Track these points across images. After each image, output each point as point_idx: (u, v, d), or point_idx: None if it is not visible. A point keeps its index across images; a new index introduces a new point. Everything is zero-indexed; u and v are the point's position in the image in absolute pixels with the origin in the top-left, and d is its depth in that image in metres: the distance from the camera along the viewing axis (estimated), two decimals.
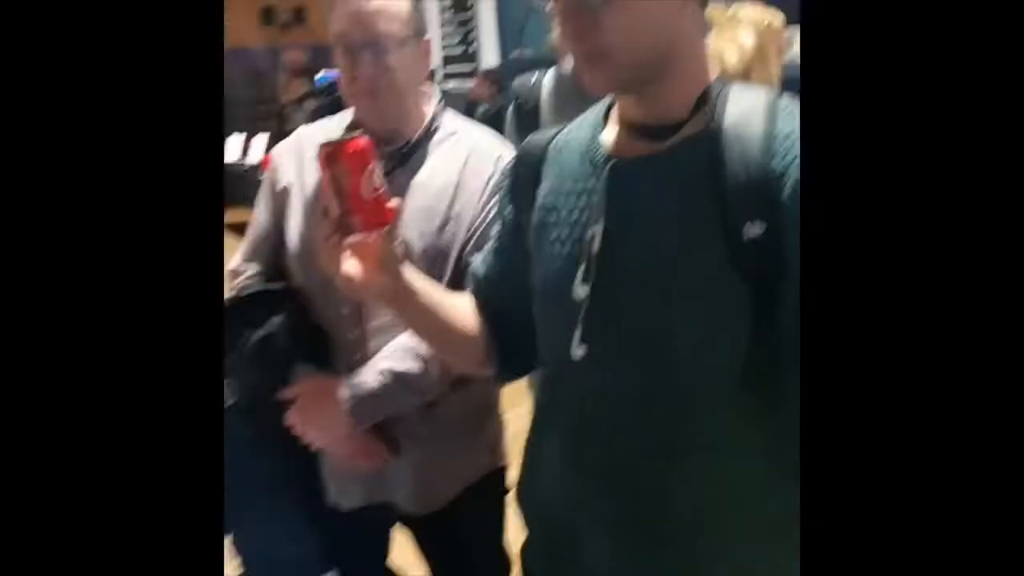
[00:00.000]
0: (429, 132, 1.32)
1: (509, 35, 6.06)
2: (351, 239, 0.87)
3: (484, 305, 1.03)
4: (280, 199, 1.36)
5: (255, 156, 7.55)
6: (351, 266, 0.89)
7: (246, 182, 7.46)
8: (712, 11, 1.22)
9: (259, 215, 1.39)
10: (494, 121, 5.46)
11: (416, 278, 0.94)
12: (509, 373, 1.05)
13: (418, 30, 1.27)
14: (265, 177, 1.40)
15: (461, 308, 1.01)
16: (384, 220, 0.87)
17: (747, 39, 1.25)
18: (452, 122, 1.36)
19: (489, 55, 6.54)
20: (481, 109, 5.82)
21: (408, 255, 1.20)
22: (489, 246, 1.06)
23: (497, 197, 1.06)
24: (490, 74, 6.16)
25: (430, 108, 1.34)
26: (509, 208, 1.01)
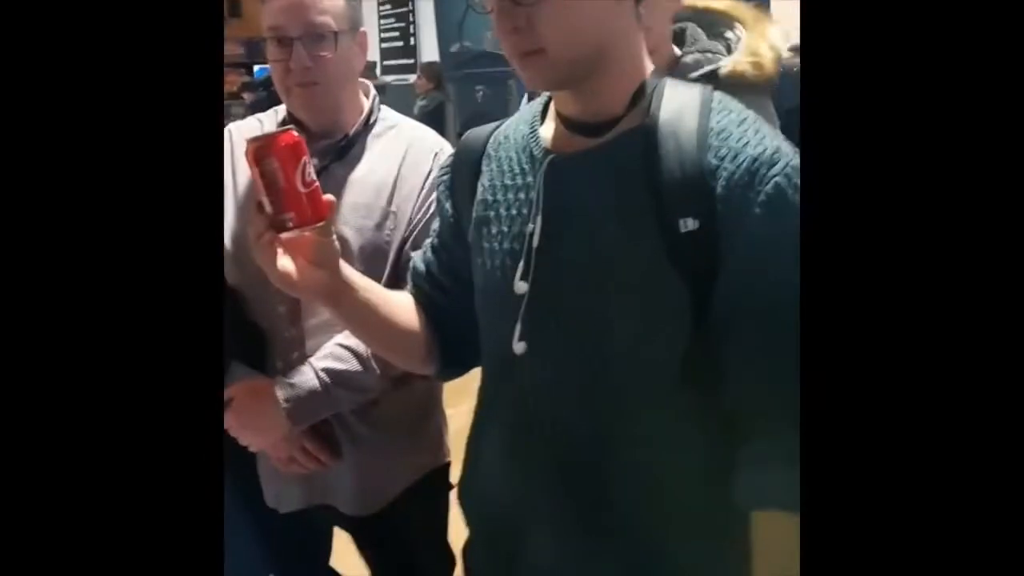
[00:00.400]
0: (367, 126, 1.30)
1: (448, 29, 6.03)
2: (286, 235, 0.85)
3: (424, 301, 1.02)
4: None
5: None
6: (286, 263, 0.87)
7: None
8: (738, 7, 1.23)
9: None
10: (434, 115, 5.47)
11: (353, 274, 0.93)
12: (450, 370, 1.05)
13: (353, 22, 1.25)
14: None
15: (400, 305, 1.00)
16: (319, 215, 0.85)
17: (777, 38, 1.25)
18: (390, 116, 1.34)
19: (428, 49, 6.51)
20: (421, 103, 5.80)
21: (346, 252, 1.18)
22: (428, 242, 1.05)
23: (436, 192, 1.05)
24: (429, 68, 6.14)
25: (367, 102, 1.32)
26: (448, 204, 1.00)
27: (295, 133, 0.85)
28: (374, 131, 1.31)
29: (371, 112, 1.31)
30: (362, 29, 1.28)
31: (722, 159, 0.78)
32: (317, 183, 0.85)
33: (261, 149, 0.83)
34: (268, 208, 0.84)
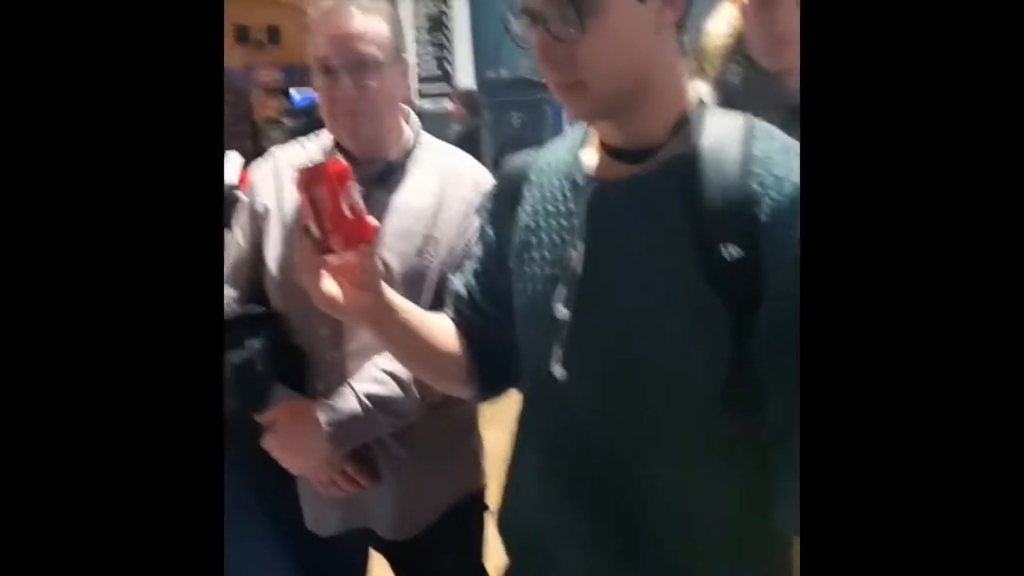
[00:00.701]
0: (408, 152, 1.32)
1: (484, 56, 6.10)
2: (331, 258, 0.88)
3: (464, 325, 1.02)
4: (258, 222, 1.35)
5: (229, 175, 7.50)
6: (331, 286, 0.88)
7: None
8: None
9: (237, 238, 1.38)
10: (469, 140, 5.52)
11: (395, 297, 0.94)
12: (488, 393, 1.05)
13: (397, 52, 1.27)
14: (242, 200, 1.39)
15: (440, 328, 1.01)
16: (365, 238, 0.87)
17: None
18: (430, 143, 1.36)
19: (464, 76, 6.58)
20: (456, 128, 5.85)
21: (387, 276, 1.20)
22: (469, 266, 1.05)
23: (478, 218, 1.06)
24: (465, 95, 6.20)
25: (408, 129, 1.34)
26: (490, 229, 1.01)
27: (342, 161, 0.88)
28: (415, 157, 1.33)
29: (412, 139, 1.33)
30: (406, 58, 1.31)
31: (766, 187, 0.78)
32: (363, 208, 0.87)
33: (309, 177, 0.86)
34: (316, 232, 0.87)
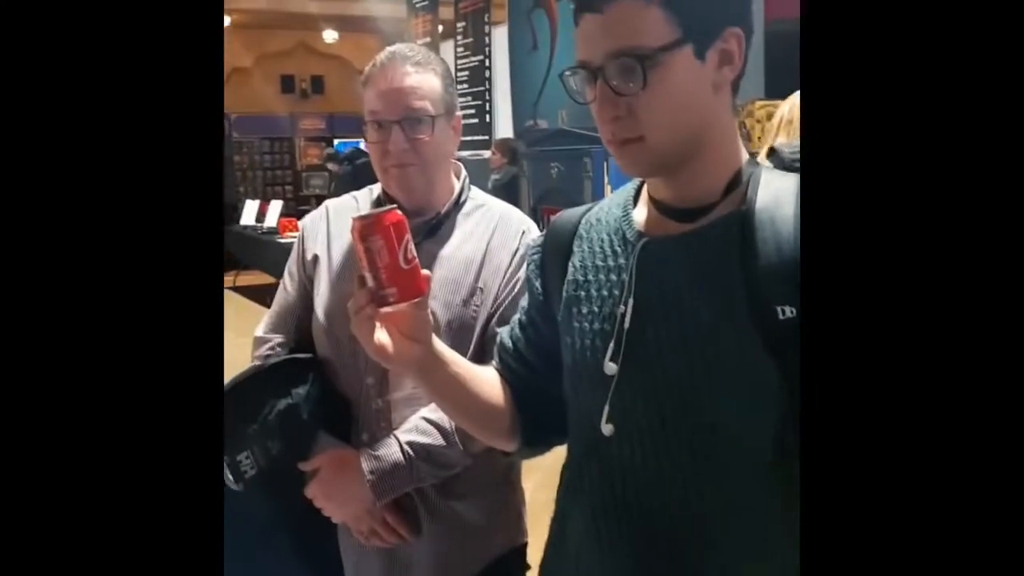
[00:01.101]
0: (457, 205, 1.34)
1: (523, 107, 6.18)
2: (386, 310, 0.88)
3: (510, 377, 1.02)
4: (307, 270, 1.37)
5: (271, 220, 7.64)
6: (382, 336, 0.89)
7: (261, 245, 7.55)
8: None
9: (286, 285, 1.40)
10: (508, 188, 5.54)
11: (444, 349, 0.94)
12: (533, 447, 1.04)
13: (449, 107, 1.30)
14: (294, 248, 1.42)
15: (486, 380, 1.01)
16: (418, 291, 0.88)
17: None
18: (478, 196, 1.38)
19: (503, 126, 6.67)
20: (495, 177, 5.92)
21: (433, 325, 1.20)
22: (516, 319, 1.06)
23: (526, 271, 1.06)
24: (503, 144, 6.27)
25: (457, 182, 1.36)
26: (538, 282, 1.02)
27: (399, 213, 0.88)
28: (464, 210, 1.34)
29: (461, 192, 1.35)
30: (457, 114, 1.33)
31: None
32: (417, 260, 0.88)
33: (367, 227, 0.87)
34: (371, 283, 0.87)
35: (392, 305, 0.87)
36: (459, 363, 0.96)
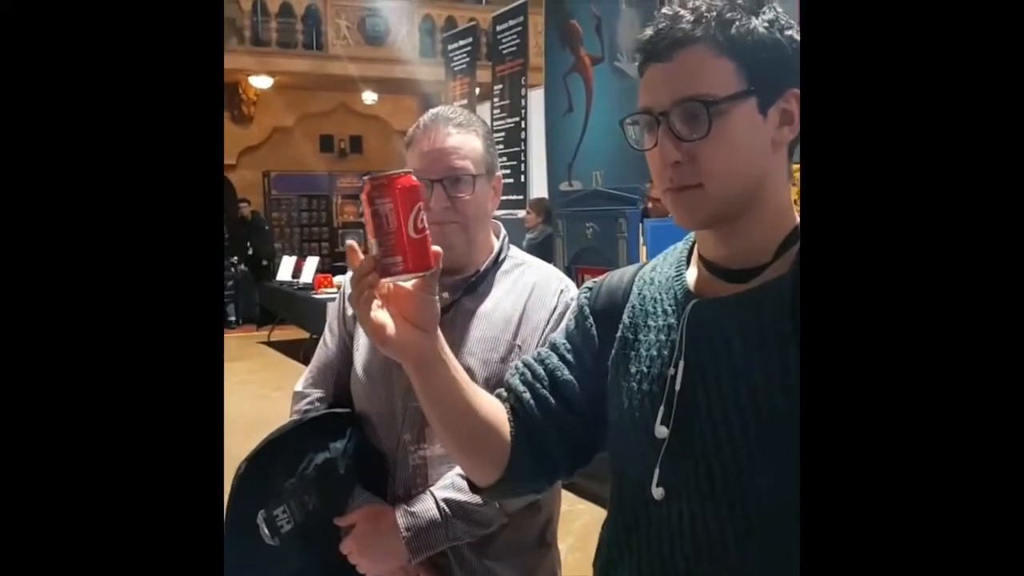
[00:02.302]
0: (496, 263, 1.36)
1: (558, 169, 6.26)
2: (388, 280, 0.82)
3: (518, 405, 0.95)
4: (348, 326, 1.39)
5: (307, 276, 7.75)
6: (383, 316, 0.83)
7: (297, 301, 7.66)
8: None
9: (327, 340, 1.42)
10: (542, 247, 5.57)
11: (447, 348, 0.88)
12: (512, 485, 0.97)
13: (490, 167, 1.32)
14: (335, 304, 1.44)
15: (487, 397, 0.94)
16: (427, 264, 0.81)
17: None
18: (517, 255, 1.40)
19: (538, 186, 6.75)
20: (530, 236, 5.97)
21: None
22: (540, 352, 1.00)
23: (569, 312, 1.03)
24: (538, 203, 6.34)
25: (497, 241, 1.38)
26: (574, 325, 0.99)
27: (414, 178, 0.82)
28: (503, 268, 1.36)
29: (500, 251, 1.37)
30: (497, 174, 1.36)
31: None
32: (428, 232, 0.82)
33: (376, 188, 0.81)
34: (375, 250, 0.81)
35: (397, 275, 0.81)
36: (460, 369, 0.91)
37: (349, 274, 1.46)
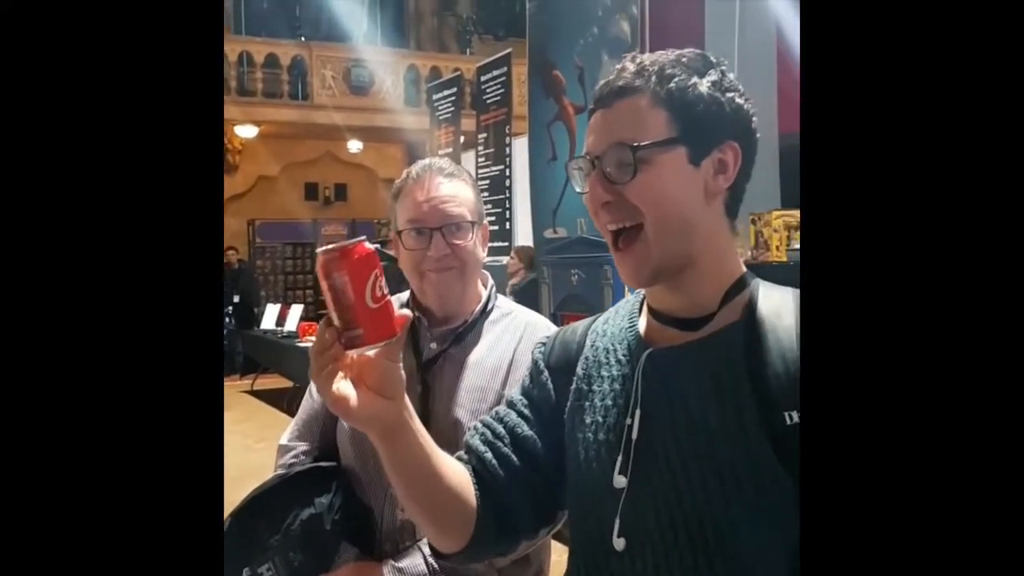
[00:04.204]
0: (484, 312, 1.35)
1: (542, 216, 6.30)
2: (353, 352, 0.80)
3: (480, 467, 0.94)
4: None
5: (291, 324, 7.70)
6: (345, 387, 0.81)
7: (281, 349, 7.59)
8: None
9: (312, 392, 1.40)
10: (526, 293, 5.56)
11: (414, 417, 0.86)
12: (484, 553, 0.97)
13: (480, 216, 1.34)
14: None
15: (451, 462, 0.93)
16: (390, 332, 0.79)
17: None
18: (505, 304, 1.40)
19: (523, 233, 6.77)
20: (513, 283, 5.98)
21: (459, 433, 1.20)
22: (497, 412, 1.00)
23: (527, 369, 1.03)
24: (522, 250, 6.36)
25: (484, 291, 1.38)
26: (529, 381, 1.00)
27: (367, 245, 0.80)
28: (491, 317, 1.36)
29: (488, 300, 1.37)
30: (485, 222, 1.37)
31: None
32: (389, 299, 0.80)
33: (330, 262, 0.79)
34: (336, 322, 0.79)
35: (360, 348, 0.79)
36: (426, 435, 0.88)
37: None
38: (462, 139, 8.18)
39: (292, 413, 1.45)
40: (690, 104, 0.84)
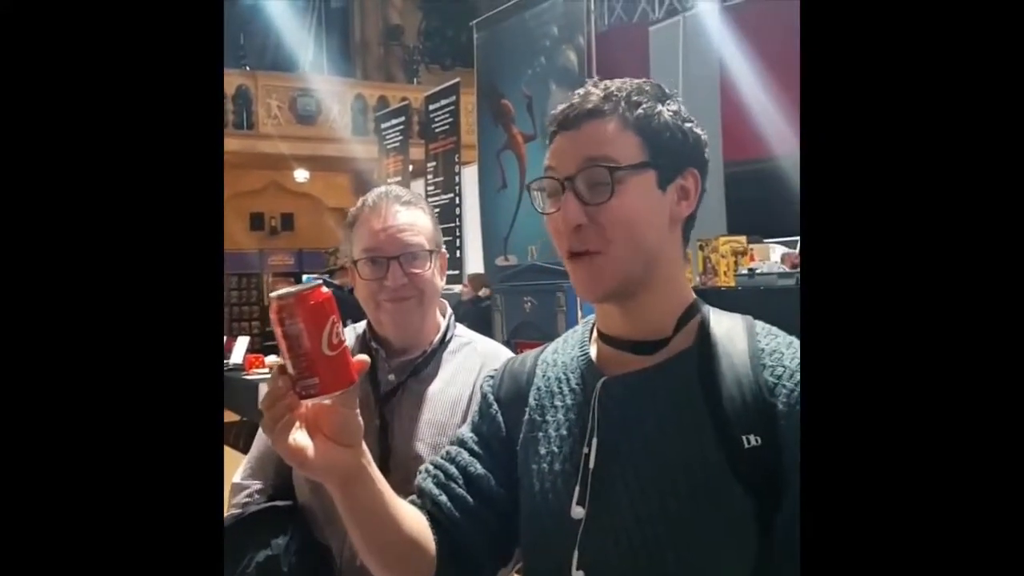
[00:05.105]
0: (443, 343, 1.33)
1: (493, 243, 6.31)
2: (309, 402, 0.76)
3: (435, 511, 0.91)
4: None
5: (237, 356, 7.53)
6: (301, 437, 0.77)
7: (228, 383, 7.41)
8: None
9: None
10: (479, 322, 5.58)
11: (372, 464, 0.83)
12: None
13: (437, 244, 1.31)
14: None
15: (409, 508, 0.90)
16: (348, 380, 0.76)
17: None
18: (464, 334, 1.37)
19: (474, 261, 6.78)
20: (465, 311, 5.97)
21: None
22: (447, 453, 0.97)
23: (476, 403, 1.00)
24: (475, 278, 6.36)
25: (443, 320, 1.35)
26: (485, 424, 0.96)
27: (323, 290, 0.77)
28: (450, 348, 1.33)
29: (447, 330, 1.34)
30: (443, 251, 1.34)
31: (779, 377, 0.80)
32: (346, 346, 0.76)
33: (285, 308, 0.75)
34: (291, 371, 0.75)
35: (315, 397, 0.76)
36: (383, 481, 0.85)
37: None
38: (411, 168, 8.18)
39: (240, 448, 1.40)
40: (657, 130, 0.84)
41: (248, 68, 11.80)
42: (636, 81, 0.87)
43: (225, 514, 1.28)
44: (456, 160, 7.17)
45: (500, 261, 6.10)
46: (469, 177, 6.88)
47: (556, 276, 4.17)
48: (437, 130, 7.42)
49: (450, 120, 7.28)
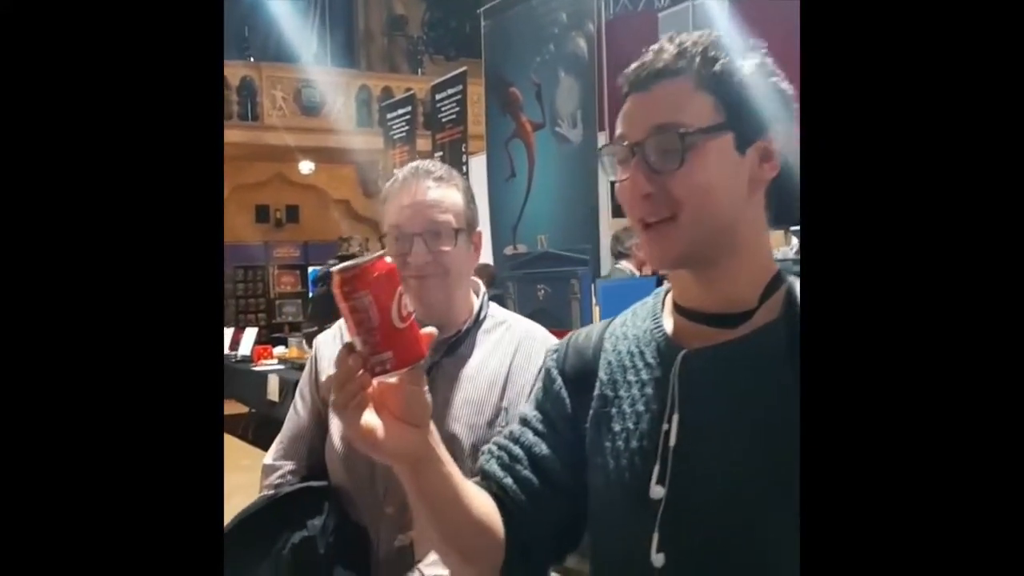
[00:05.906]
0: (477, 322, 1.30)
1: (502, 233, 6.28)
2: (383, 379, 0.73)
3: (503, 494, 0.88)
4: (323, 391, 1.31)
5: (245, 348, 7.52)
6: (372, 418, 0.74)
7: (236, 374, 7.40)
8: None
9: (297, 407, 1.34)
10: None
11: (440, 446, 0.80)
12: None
13: (470, 223, 1.29)
14: (306, 369, 1.37)
15: (481, 498, 0.86)
16: (418, 354, 0.73)
17: None
18: (499, 313, 1.35)
19: (483, 251, 6.76)
20: None
21: (456, 449, 1.15)
22: (511, 432, 0.93)
23: (539, 380, 0.97)
24: (483, 269, 6.34)
25: (477, 300, 1.33)
26: (543, 394, 0.93)
27: (388, 260, 0.73)
28: (484, 327, 1.31)
29: (481, 309, 1.32)
30: (478, 229, 1.32)
31: None
32: (413, 316, 0.73)
33: (351, 281, 0.71)
34: (361, 347, 0.72)
35: (389, 373, 0.72)
36: (453, 463, 0.81)
37: (322, 336, 1.39)
38: (417, 158, 8.15)
39: (250, 440, 1.38)
40: (736, 88, 0.79)
41: (252, 59, 11.76)
42: (716, 33, 0.83)
43: (257, 496, 1.27)
44: (463, 150, 7.13)
45: (509, 251, 6.07)
46: (476, 167, 6.84)
47: (569, 263, 4.13)
48: (444, 120, 7.38)
49: (457, 110, 7.24)
